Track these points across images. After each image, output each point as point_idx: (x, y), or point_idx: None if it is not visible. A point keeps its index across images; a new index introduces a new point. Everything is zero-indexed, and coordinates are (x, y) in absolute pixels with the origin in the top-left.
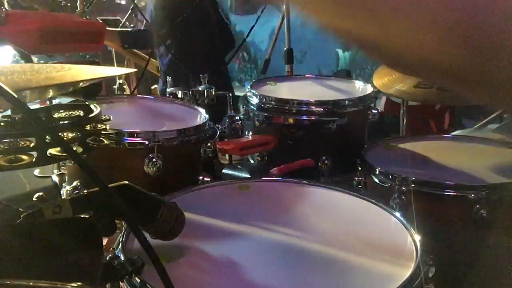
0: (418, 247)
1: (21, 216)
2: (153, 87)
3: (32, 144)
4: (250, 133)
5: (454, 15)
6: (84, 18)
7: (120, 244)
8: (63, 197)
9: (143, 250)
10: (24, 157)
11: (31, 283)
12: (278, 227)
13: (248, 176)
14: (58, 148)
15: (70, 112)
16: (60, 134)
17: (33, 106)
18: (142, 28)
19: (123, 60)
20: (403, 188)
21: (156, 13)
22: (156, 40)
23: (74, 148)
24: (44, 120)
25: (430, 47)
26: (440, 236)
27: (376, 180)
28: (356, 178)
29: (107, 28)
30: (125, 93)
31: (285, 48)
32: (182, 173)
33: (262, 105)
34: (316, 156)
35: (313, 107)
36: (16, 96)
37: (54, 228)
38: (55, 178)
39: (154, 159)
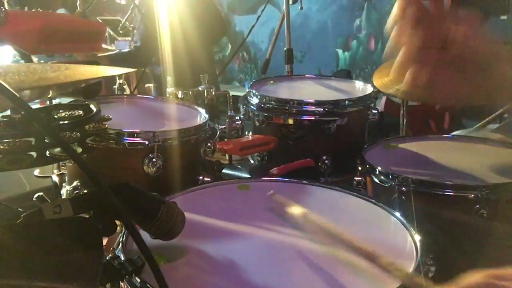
0: (418, 247)
1: (21, 216)
2: (146, 85)
3: (32, 144)
4: (250, 133)
5: None
6: (84, 18)
7: (120, 244)
8: (63, 197)
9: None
10: (24, 157)
11: (31, 283)
12: (278, 227)
13: (248, 176)
14: (58, 148)
15: (70, 112)
16: (60, 134)
17: (33, 106)
18: (132, 47)
19: None
20: (403, 188)
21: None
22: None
23: (74, 148)
24: (44, 119)
25: None
26: (440, 236)
27: (376, 180)
28: (356, 178)
29: (102, 54)
30: (125, 93)
31: (285, 48)
32: (182, 173)
33: (262, 105)
34: (316, 156)
35: (313, 107)
36: (17, 95)
37: (54, 228)
38: (55, 178)
39: (154, 159)
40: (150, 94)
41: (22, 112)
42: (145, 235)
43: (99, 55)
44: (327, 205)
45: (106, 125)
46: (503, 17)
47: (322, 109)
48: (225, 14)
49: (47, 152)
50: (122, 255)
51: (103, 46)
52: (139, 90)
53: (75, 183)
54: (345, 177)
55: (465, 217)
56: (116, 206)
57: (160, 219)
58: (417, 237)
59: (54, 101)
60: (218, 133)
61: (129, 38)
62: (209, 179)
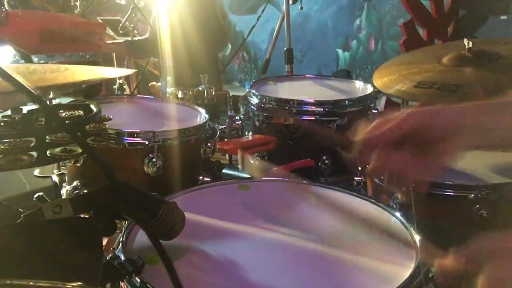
0: (418, 247)
1: (21, 216)
2: (150, 84)
3: (32, 144)
4: (250, 133)
5: None
6: (84, 18)
7: (120, 244)
8: (63, 197)
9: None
10: (24, 157)
11: (31, 283)
12: (278, 227)
13: (248, 176)
14: (58, 148)
15: (70, 112)
16: (60, 133)
17: (33, 106)
18: (146, 35)
19: (123, 60)
20: (403, 188)
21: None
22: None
23: (73, 148)
24: (60, 116)
25: None
26: (440, 236)
27: (376, 180)
28: (356, 178)
29: (116, 41)
30: (125, 93)
31: (285, 48)
32: (182, 173)
33: (262, 105)
34: (316, 156)
35: (313, 107)
36: (35, 92)
37: (54, 228)
38: (55, 178)
39: (154, 159)
40: (157, 93)
41: (39, 107)
42: (145, 235)
43: (111, 42)
44: (327, 205)
45: (106, 125)
46: (503, 17)
47: (322, 109)
48: (224, 15)
49: (48, 152)
50: (122, 255)
51: (114, 35)
52: (139, 90)
53: (75, 183)
54: (345, 177)
55: (465, 217)
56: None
57: (160, 219)
58: (417, 237)
59: (54, 101)
60: (218, 133)
61: (129, 38)
62: (209, 179)
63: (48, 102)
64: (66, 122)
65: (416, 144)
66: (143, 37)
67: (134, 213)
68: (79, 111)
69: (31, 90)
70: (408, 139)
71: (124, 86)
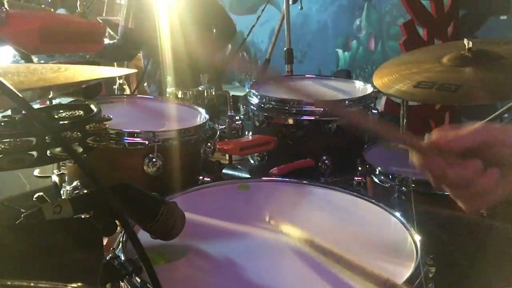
0: (418, 247)
1: (21, 216)
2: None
3: (32, 144)
4: (250, 133)
5: None
6: (84, 18)
7: (120, 244)
8: (63, 197)
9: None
10: (25, 156)
11: (31, 283)
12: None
13: (248, 176)
14: (59, 148)
15: (70, 112)
16: (60, 133)
17: (35, 106)
18: (115, 41)
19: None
20: (403, 188)
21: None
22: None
23: (75, 148)
24: (45, 119)
25: None
26: (440, 236)
27: (376, 180)
28: (356, 178)
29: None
30: (125, 93)
31: (285, 48)
32: (182, 173)
33: (262, 105)
34: (316, 156)
35: (313, 107)
36: (19, 94)
37: (54, 228)
38: (55, 178)
39: (154, 159)
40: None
41: (24, 112)
42: (145, 235)
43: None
44: (327, 205)
45: (107, 125)
46: (503, 17)
47: (322, 109)
48: None
49: (48, 152)
50: (122, 255)
51: (115, 35)
52: (139, 90)
53: (75, 183)
54: (345, 177)
55: (465, 217)
56: (115, 207)
57: (160, 219)
58: (417, 237)
59: (54, 101)
60: (218, 133)
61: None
62: (209, 179)
63: (48, 102)
64: (53, 126)
65: (484, 161)
66: (112, 42)
67: (135, 213)
68: (80, 111)
69: (18, 94)
70: (476, 153)
71: (124, 86)
